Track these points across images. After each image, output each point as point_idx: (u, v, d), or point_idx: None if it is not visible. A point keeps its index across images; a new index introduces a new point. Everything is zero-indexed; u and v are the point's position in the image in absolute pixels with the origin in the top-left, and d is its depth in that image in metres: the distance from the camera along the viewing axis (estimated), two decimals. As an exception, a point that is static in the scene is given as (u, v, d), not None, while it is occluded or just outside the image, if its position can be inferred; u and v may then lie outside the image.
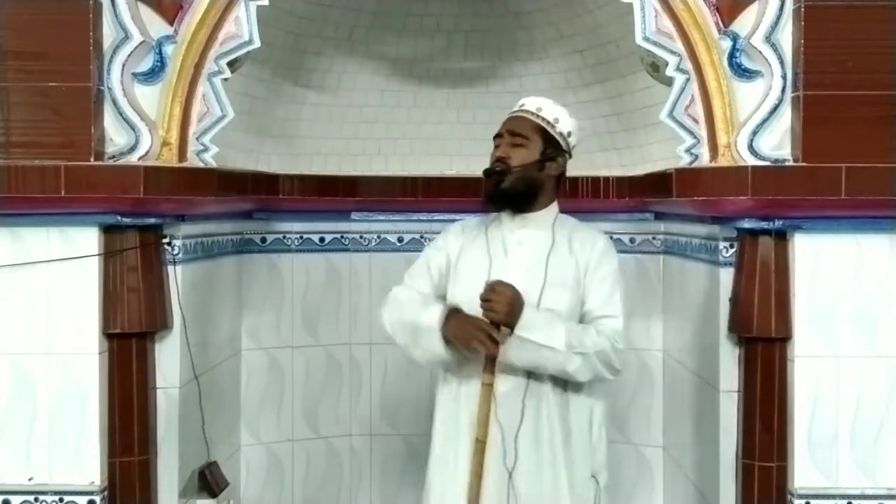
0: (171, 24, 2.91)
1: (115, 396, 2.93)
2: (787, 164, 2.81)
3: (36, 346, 2.87)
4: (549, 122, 2.72)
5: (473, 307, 2.58)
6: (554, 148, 2.72)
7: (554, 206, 2.77)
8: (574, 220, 2.82)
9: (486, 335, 2.52)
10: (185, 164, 2.92)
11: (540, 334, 2.55)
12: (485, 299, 2.54)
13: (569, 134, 2.75)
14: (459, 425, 2.66)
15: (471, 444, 2.60)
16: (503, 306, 2.52)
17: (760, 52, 2.82)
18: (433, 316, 2.61)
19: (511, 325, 2.54)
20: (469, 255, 2.75)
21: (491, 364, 2.57)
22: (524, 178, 2.68)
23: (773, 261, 2.85)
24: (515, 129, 2.71)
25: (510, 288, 2.55)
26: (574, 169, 3.88)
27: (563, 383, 2.66)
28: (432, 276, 2.78)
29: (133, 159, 2.85)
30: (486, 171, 2.70)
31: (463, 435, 2.64)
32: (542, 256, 2.69)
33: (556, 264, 2.68)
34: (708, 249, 3.13)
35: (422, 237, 3.91)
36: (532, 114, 2.72)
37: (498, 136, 2.74)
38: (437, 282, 2.78)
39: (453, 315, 2.60)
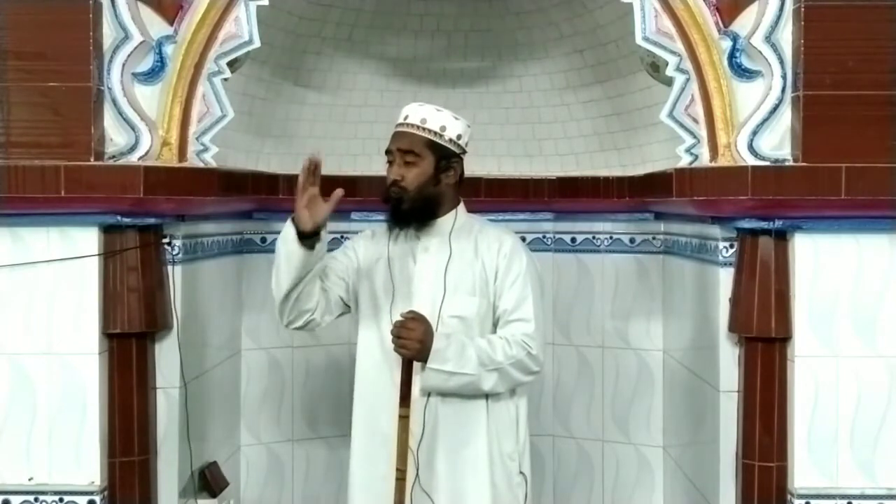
0: (171, 24, 2.91)
1: (115, 396, 2.93)
2: (787, 164, 2.80)
3: (36, 346, 2.87)
4: (436, 133, 2.71)
5: (382, 314, 2.70)
6: (447, 158, 2.73)
7: (453, 213, 2.79)
8: (482, 221, 2.85)
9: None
10: (185, 164, 2.92)
11: (451, 364, 2.61)
12: (396, 336, 2.60)
13: (458, 137, 2.75)
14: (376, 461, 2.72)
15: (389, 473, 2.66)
16: (415, 343, 2.58)
17: (760, 52, 2.82)
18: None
19: (423, 360, 2.60)
20: (375, 264, 2.79)
21: (406, 397, 2.64)
22: (422, 197, 2.71)
23: (773, 261, 2.85)
24: (405, 147, 2.70)
25: (421, 323, 2.60)
26: (574, 169, 3.93)
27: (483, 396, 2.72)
28: (349, 258, 2.83)
29: (133, 159, 2.85)
30: (384, 198, 2.73)
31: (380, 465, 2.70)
32: (442, 266, 2.71)
33: (456, 272, 2.71)
34: (708, 249, 3.13)
35: (422, 237, 3.91)
36: (417, 128, 2.71)
37: (389, 152, 2.74)
38: (342, 264, 2.81)
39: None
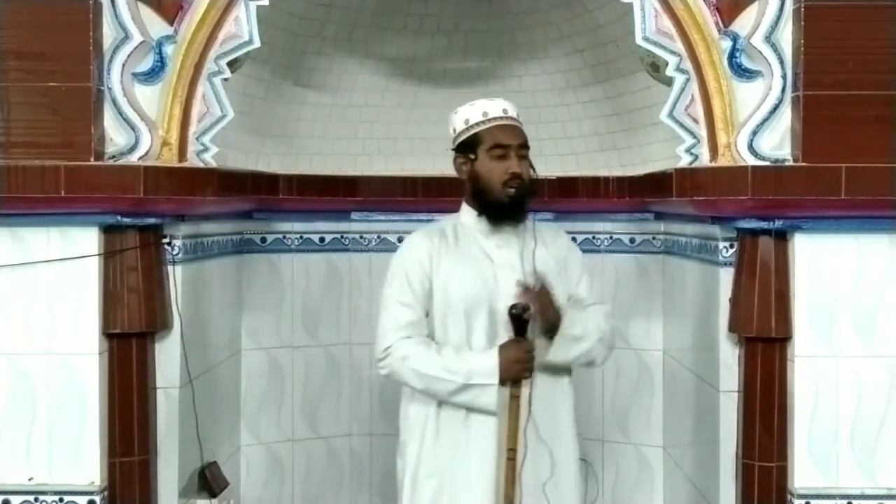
0: (171, 24, 2.91)
1: (115, 396, 2.93)
2: (787, 164, 2.81)
3: (36, 346, 2.87)
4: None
5: (476, 315, 2.64)
6: None
7: None
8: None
9: (530, 360, 2.58)
10: (185, 164, 2.92)
11: (577, 328, 2.65)
12: (536, 301, 2.55)
13: None
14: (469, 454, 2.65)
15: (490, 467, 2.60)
16: (554, 311, 2.60)
17: (760, 52, 2.82)
18: (492, 376, 2.57)
19: (556, 328, 2.61)
20: (450, 265, 2.70)
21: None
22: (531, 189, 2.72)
23: (773, 261, 2.86)
24: (523, 142, 2.69)
25: (551, 292, 2.60)
26: (574, 169, 3.93)
27: (568, 374, 2.76)
28: (416, 296, 2.69)
29: (133, 159, 2.85)
30: (519, 194, 2.64)
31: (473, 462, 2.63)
32: (528, 255, 2.69)
33: (541, 260, 2.69)
34: (708, 249, 3.13)
35: (422, 237, 3.91)
36: (517, 121, 2.73)
37: (502, 146, 2.65)
38: (422, 300, 2.71)
39: (503, 360, 2.58)
